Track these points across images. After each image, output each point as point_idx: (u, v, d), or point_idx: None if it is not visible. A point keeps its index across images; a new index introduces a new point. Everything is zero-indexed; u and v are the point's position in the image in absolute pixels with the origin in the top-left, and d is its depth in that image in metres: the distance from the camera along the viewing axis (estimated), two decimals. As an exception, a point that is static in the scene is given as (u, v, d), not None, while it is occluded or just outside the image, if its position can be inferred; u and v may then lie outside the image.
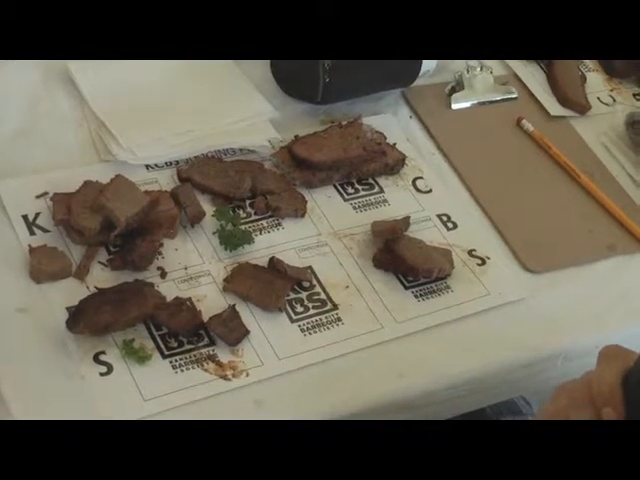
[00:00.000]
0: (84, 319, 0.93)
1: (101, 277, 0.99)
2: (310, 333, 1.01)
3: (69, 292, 0.96)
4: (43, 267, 0.97)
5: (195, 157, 1.13)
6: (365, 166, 1.17)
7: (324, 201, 1.14)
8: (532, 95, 1.37)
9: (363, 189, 1.17)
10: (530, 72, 1.40)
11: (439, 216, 1.16)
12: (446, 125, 1.28)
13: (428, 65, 1.29)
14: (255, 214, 1.10)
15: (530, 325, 1.08)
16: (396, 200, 1.17)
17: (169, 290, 0.99)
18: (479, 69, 1.33)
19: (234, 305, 0.99)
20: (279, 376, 0.96)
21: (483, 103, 1.33)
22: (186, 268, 1.03)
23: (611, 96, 1.42)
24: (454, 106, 1.31)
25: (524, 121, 1.31)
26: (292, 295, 1.03)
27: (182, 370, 0.94)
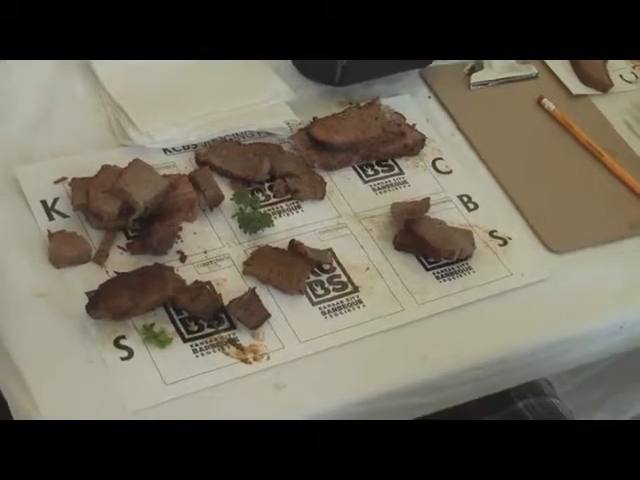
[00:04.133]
0: (104, 304, 0.92)
1: (120, 261, 0.99)
2: (331, 316, 1.00)
3: (88, 277, 0.96)
4: (62, 252, 0.97)
5: (213, 140, 1.12)
6: (384, 147, 1.16)
7: (343, 183, 1.13)
8: (553, 73, 1.35)
9: (382, 170, 1.16)
10: (550, 50, 1.39)
11: (460, 197, 1.15)
12: (465, 105, 1.27)
13: (447, 45, 1.28)
14: (274, 197, 1.09)
15: (553, 305, 1.07)
16: (416, 181, 1.16)
17: (189, 274, 0.99)
18: (499, 48, 1.31)
19: (254, 288, 0.98)
20: (300, 359, 0.96)
21: (503, 82, 1.32)
22: (205, 252, 1.02)
23: (634, 73, 1.40)
24: (473, 86, 1.30)
25: (545, 100, 1.30)
26: (312, 278, 1.02)
27: (203, 354, 0.94)
